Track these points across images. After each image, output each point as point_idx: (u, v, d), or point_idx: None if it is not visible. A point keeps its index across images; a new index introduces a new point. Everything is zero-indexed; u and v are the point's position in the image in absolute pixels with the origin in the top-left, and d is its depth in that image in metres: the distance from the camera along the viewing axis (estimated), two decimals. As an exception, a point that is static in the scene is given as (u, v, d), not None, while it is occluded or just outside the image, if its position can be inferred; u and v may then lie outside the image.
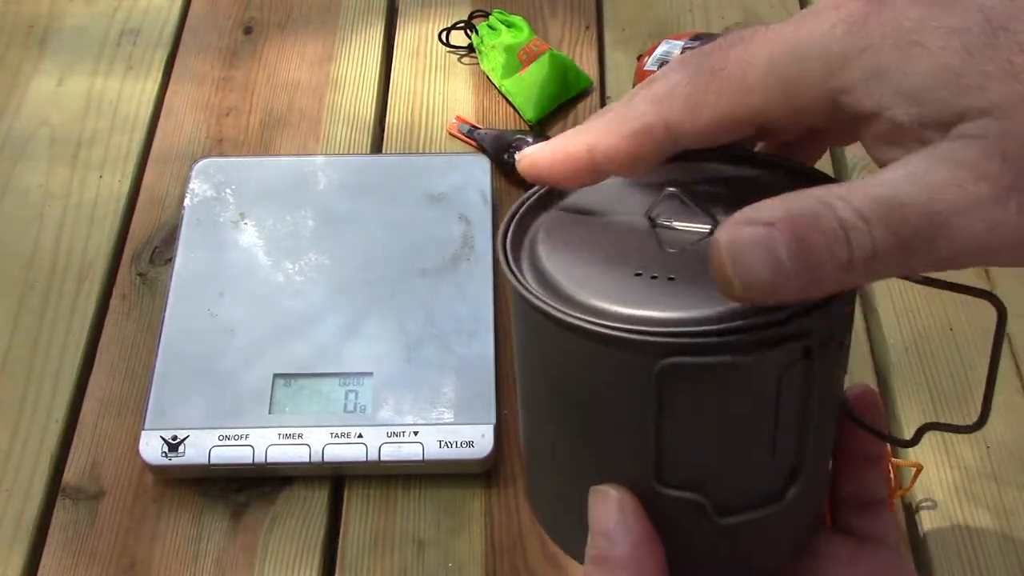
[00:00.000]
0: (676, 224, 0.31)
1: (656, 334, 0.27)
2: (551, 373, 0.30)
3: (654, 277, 0.29)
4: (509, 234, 0.31)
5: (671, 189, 0.30)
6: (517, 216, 0.32)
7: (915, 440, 0.33)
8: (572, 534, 0.32)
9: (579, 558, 0.32)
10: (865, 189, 0.26)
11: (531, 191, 0.33)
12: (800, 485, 0.30)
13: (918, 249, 0.26)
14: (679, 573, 0.31)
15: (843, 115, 0.27)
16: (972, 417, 0.31)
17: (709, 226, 0.30)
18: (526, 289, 0.29)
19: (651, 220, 0.31)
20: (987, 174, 0.25)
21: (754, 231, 0.26)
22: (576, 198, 0.33)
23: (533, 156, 0.32)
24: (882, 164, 0.27)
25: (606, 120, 0.30)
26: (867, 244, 0.25)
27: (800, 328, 0.27)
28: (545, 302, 0.28)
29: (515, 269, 0.30)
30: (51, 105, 0.73)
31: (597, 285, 0.28)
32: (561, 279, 0.29)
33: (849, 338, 0.32)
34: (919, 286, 0.31)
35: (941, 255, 0.26)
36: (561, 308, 0.28)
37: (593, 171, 0.31)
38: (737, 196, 0.28)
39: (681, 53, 0.66)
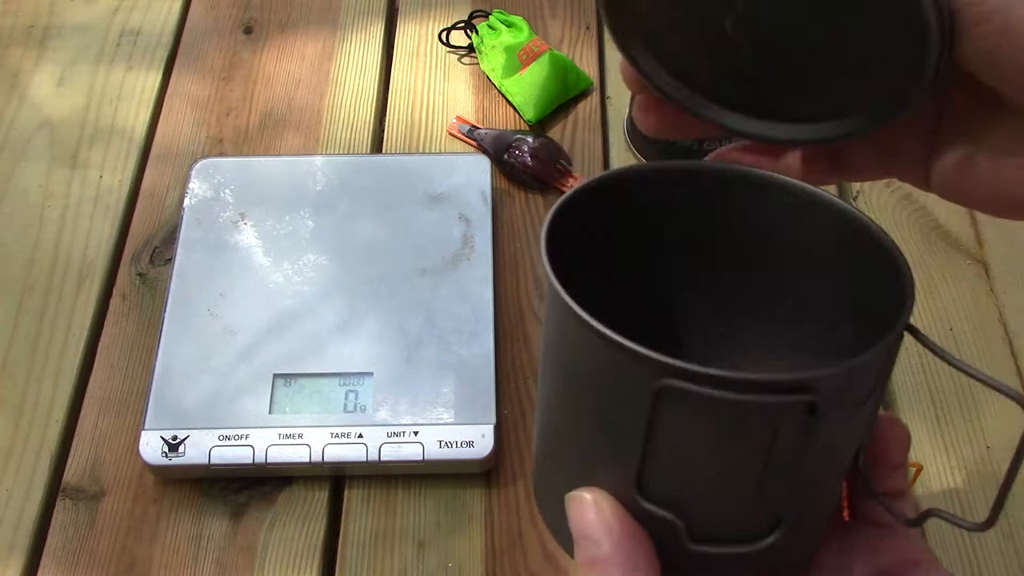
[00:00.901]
0: None
1: (663, 354, 0.27)
2: (569, 370, 0.31)
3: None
4: (550, 228, 0.32)
5: None
6: (561, 210, 0.32)
7: (918, 522, 0.33)
8: (568, 532, 0.32)
9: None
10: None
11: (573, 189, 0.33)
12: (782, 533, 0.30)
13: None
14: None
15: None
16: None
17: None
18: (559, 284, 0.30)
19: None
20: None
21: None
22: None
23: None
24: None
25: None
26: None
27: (804, 382, 0.27)
28: (572, 301, 0.29)
29: (551, 263, 0.31)
30: (51, 105, 0.73)
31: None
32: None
33: (879, 395, 0.31)
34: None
35: None
36: (586, 311, 0.28)
37: None
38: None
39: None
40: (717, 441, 0.29)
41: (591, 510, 0.31)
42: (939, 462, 0.58)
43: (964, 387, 0.60)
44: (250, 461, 0.55)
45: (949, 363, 0.30)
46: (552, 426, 0.33)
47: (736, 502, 0.30)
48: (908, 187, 0.70)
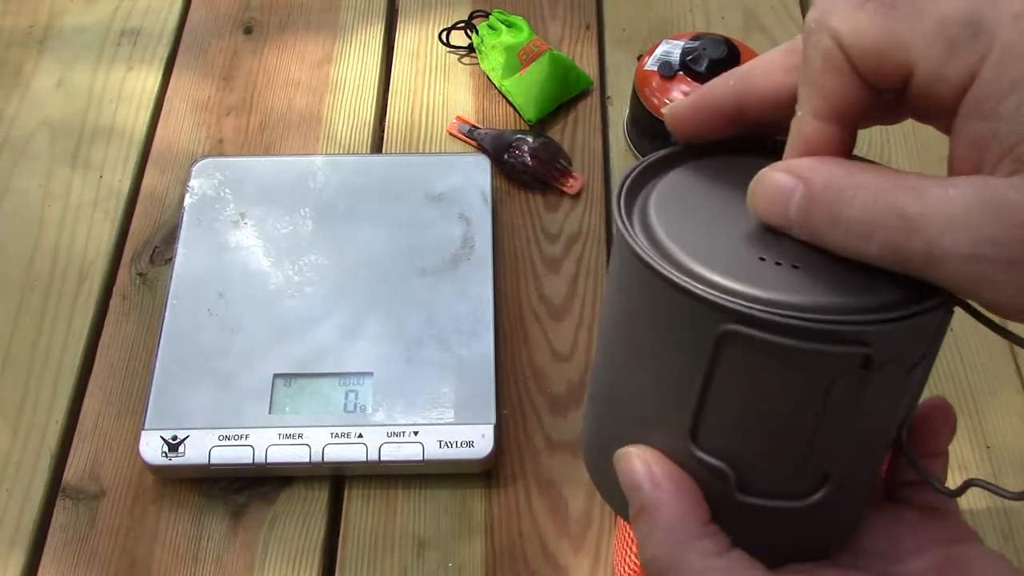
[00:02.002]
0: None
1: (728, 299, 0.28)
2: (633, 320, 0.32)
3: (744, 252, 0.30)
4: (627, 185, 0.33)
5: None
6: (639, 169, 0.34)
7: (959, 492, 0.33)
8: (621, 494, 0.33)
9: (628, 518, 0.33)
10: (899, 197, 0.27)
11: (651, 155, 0.34)
12: (828, 491, 0.31)
13: (908, 266, 0.27)
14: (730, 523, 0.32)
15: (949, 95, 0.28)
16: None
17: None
18: (629, 234, 0.31)
19: None
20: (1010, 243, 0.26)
21: (784, 178, 0.29)
22: (689, 168, 0.34)
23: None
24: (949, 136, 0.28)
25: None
26: (861, 238, 0.28)
27: (861, 334, 0.28)
28: (641, 248, 0.30)
29: (624, 216, 0.32)
30: (51, 105, 0.74)
31: (691, 246, 0.30)
32: (661, 235, 0.31)
33: (927, 365, 0.31)
34: None
35: (931, 276, 0.27)
36: (654, 256, 0.30)
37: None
38: None
39: (681, 53, 0.66)
40: (774, 392, 0.29)
41: (638, 461, 0.32)
42: (939, 462, 0.58)
43: (964, 387, 0.60)
44: (250, 461, 0.55)
45: (1011, 340, 0.30)
46: (610, 384, 0.34)
47: (786, 455, 0.31)
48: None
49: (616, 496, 0.33)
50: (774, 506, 0.31)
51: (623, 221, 0.31)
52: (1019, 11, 0.27)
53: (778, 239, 0.30)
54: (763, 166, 0.31)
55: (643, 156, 0.70)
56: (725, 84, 0.33)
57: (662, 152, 0.34)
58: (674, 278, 0.29)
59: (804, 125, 0.30)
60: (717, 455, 0.31)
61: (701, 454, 0.31)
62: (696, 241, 0.30)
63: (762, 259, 0.30)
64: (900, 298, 0.29)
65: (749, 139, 0.34)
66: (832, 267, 0.29)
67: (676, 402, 0.31)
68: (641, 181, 0.33)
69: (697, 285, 0.28)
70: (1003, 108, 0.27)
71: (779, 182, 0.29)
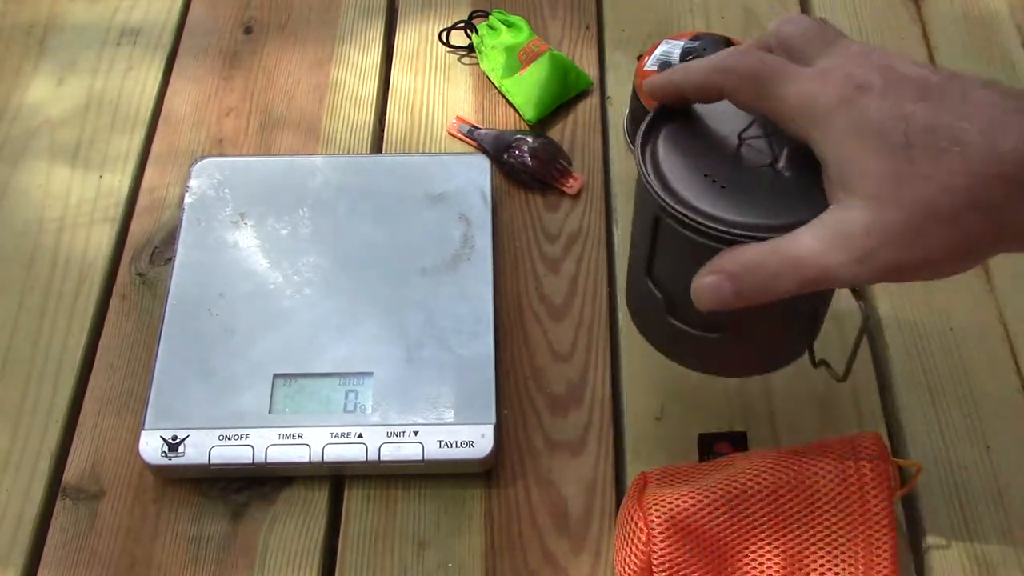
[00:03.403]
0: (752, 147, 0.46)
1: (662, 197, 0.44)
2: (636, 206, 0.50)
3: (714, 181, 0.45)
4: (646, 124, 0.48)
5: (748, 135, 0.46)
6: (652, 118, 0.48)
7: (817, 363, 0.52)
8: (642, 313, 0.53)
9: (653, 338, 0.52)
10: (787, 248, 0.41)
11: (650, 116, 0.48)
12: (722, 334, 0.48)
13: (815, 284, 0.41)
14: (652, 335, 0.53)
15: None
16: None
17: (770, 159, 0.46)
18: (643, 171, 0.46)
19: (739, 138, 0.47)
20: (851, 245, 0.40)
21: (712, 279, 0.42)
22: (683, 119, 0.48)
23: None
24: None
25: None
26: (779, 286, 0.41)
27: (727, 238, 0.43)
28: (648, 179, 0.45)
29: (640, 155, 0.46)
30: (51, 105, 0.74)
31: (680, 177, 0.45)
32: (664, 167, 0.46)
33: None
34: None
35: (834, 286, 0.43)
36: (649, 174, 0.45)
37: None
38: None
39: (681, 53, 0.66)
40: (683, 258, 0.45)
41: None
42: (939, 462, 0.58)
43: (964, 387, 0.60)
44: (250, 461, 0.55)
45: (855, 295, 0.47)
46: (631, 244, 0.52)
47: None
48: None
49: (650, 330, 0.53)
50: (692, 332, 0.49)
51: (638, 153, 0.47)
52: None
53: (722, 163, 0.46)
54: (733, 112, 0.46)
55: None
56: (674, 74, 0.46)
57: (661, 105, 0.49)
58: (647, 183, 0.45)
59: None
60: (658, 287, 0.49)
61: (650, 284, 0.49)
62: (675, 163, 0.46)
63: (706, 175, 0.45)
64: (763, 222, 0.43)
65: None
66: (742, 190, 0.44)
67: (644, 253, 0.48)
68: (656, 123, 0.48)
69: (655, 188, 0.45)
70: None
71: (711, 284, 0.42)
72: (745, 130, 0.46)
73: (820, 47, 0.42)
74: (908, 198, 0.38)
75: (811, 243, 0.40)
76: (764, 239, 0.42)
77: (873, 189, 0.39)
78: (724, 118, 0.47)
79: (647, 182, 0.45)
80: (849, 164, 0.40)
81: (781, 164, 0.45)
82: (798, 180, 0.44)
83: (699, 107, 0.48)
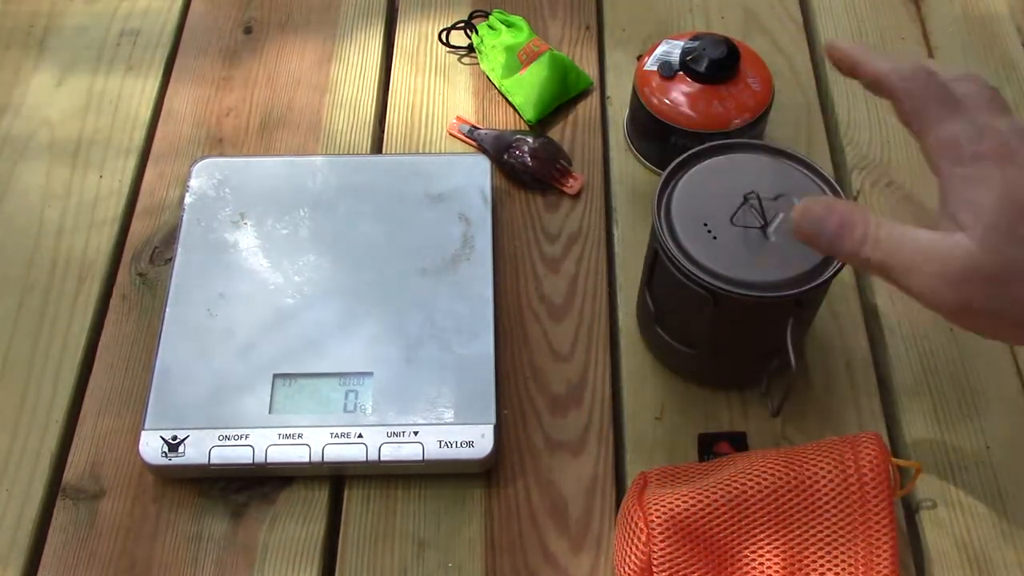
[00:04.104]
0: (751, 208, 0.53)
1: (660, 241, 0.53)
2: (651, 236, 0.56)
3: (709, 231, 0.53)
4: (664, 177, 0.55)
5: (752, 196, 0.53)
6: (669, 171, 0.55)
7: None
8: (640, 318, 0.62)
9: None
10: (891, 229, 0.44)
11: (676, 160, 0.55)
12: (697, 351, 0.57)
13: (892, 279, 0.45)
14: (646, 338, 0.62)
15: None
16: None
17: (761, 222, 0.53)
18: (654, 204, 0.54)
19: (744, 198, 0.53)
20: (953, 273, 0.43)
21: (823, 207, 0.46)
22: (704, 168, 0.55)
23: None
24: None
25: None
26: (869, 256, 0.45)
27: (709, 288, 0.52)
28: (657, 214, 0.53)
29: (662, 186, 0.54)
30: (51, 105, 0.74)
31: (683, 219, 0.53)
32: (675, 206, 0.54)
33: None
34: None
35: (903, 287, 0.45)
36: (661, 221, 0.53)
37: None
38: (789, 200, 0.53)
39: (681, 53, 0.66)
40: (672, 290, 0.53)
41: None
42: (939, 462, 0.58)
43: (964, 387, 0.60)
44: (250, 461, 0.55)
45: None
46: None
47: (682, 322, 0.57)
48: (908, 187, 0.71)
49: (645, 333, 0.62)
50: (675, 346, 0.58)
51: (660, 182, 0.54)
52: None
53: (721, 216, 0.53)
54: (757, 160, 0.55)
55: (642, 156, 0.72)
56: (864, 53, 0.48)
57: (690, 152, 0.55)
58: (654, 217, 0.53)
59: None
60: (652, 300, 0.58)
61: (648, 299, 0.58)
62: (683, 205, 0.53)
63: (704, 224, 0.53)
64: (733, 277, 0.51)
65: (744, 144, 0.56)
66: (729, 244, 0.52)
67: (646, 269, 0.57)
68: (689, 160, 0.55)
69: (660, 224, 0.53)
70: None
71: (815, 214, 0.46)
72: (751, 192, 0.53)
73: (987, 115, 0.45)
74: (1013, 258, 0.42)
75: (914, 245, 0.44)
76: (735, 294, 0.50)
77: (989, 241, 0.42)
78: (741, 176, 0.54)
79: (654, 217, 0.53)
80: (978, 208, 0.43)
81: (771, 228, 0.52)
82: (781, 245, 0.52)
83: (723, 160, 0.55)
